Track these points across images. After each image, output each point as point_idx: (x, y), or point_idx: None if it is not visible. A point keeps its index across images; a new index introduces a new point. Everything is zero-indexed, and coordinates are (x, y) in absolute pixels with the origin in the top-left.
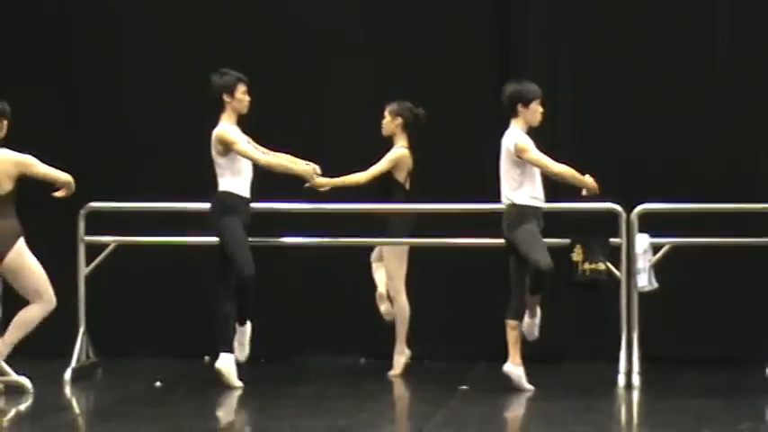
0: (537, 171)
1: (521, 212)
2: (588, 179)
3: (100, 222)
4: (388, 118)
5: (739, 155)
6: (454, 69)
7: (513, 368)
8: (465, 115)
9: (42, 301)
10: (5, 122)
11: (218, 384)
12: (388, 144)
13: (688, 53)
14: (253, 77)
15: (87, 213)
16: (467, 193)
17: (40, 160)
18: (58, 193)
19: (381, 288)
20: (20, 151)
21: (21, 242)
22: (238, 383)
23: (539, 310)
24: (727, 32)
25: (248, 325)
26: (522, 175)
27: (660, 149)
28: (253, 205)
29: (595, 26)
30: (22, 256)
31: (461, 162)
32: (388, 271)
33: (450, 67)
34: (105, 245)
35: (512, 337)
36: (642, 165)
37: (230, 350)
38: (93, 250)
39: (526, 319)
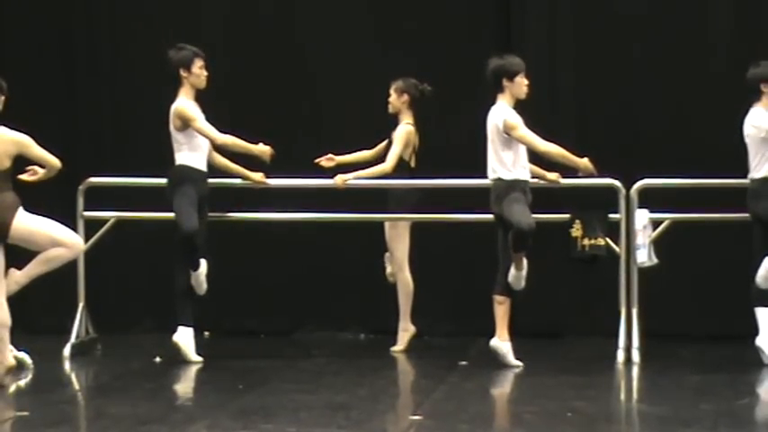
0: (524, 146)
1: (508, 186)
2: (582, 160)
3: (99, 198)
4: (393, 95)
5: (739, 130)
6: (453, 42)
7: (501, 343)
8: (466, 89)
9: (65, 247)
10: (2, 98)
11: (218, 359)
12: (392, 121)
13: (689, 27)
14: (254, 55)
15: (86, 189)
16: (466, 169)
17: (41, 135)
18: (26, 176)
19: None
20: (18, 129)
21: (20, 211)
22: (196, 358)
23: (525, 263)
24: (730, 6)
25: (202, 264)
26: (511, 151)
27: (660, 124)
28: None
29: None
30: (24, 222)
31: (459, 137)
32: (390, 246)
33: (450, 40)
34: (104, 220)
35: (500, 311)
36: (642, 140)
37: (189, 324)
38: (92, 226)
39: (512, 271)
